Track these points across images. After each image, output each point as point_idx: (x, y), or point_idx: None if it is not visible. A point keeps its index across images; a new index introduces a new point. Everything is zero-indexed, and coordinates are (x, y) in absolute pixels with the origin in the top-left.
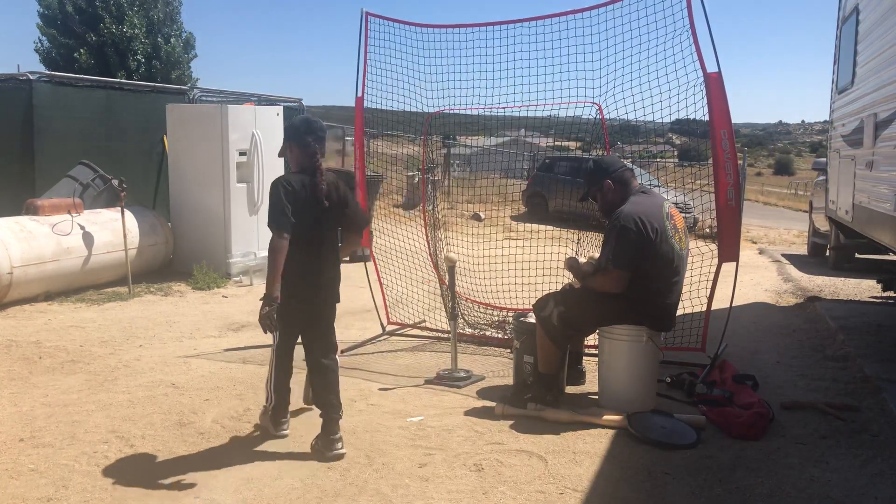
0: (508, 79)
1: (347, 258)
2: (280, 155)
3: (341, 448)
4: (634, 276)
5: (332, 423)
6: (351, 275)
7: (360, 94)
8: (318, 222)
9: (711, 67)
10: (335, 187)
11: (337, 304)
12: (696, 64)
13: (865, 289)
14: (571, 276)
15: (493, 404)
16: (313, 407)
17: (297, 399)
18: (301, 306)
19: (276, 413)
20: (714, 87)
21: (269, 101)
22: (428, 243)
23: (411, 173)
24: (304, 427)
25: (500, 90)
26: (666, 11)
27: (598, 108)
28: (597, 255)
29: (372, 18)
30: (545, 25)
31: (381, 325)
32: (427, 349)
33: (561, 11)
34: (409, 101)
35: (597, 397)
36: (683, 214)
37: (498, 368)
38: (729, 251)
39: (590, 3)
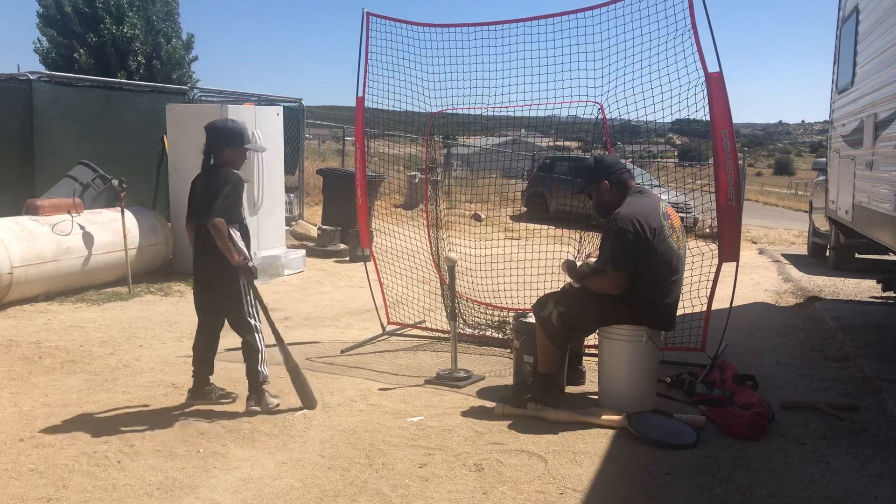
0: (510, 78)
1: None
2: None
3: (275, 403)
4: (633, 277)
5: (256, 388)
6: (351, 275)
7: (360, 94)
8: (193, 211)
9: (713, 67)
10: (202, 181)
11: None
12: (697, 64)
13: (865, 289)
14: (568, 276)
15: (492, 404)
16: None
17: (295, 399)
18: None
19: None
20: (715, 86)
21: (269, 101)
22: (430, 243)
23: (412, 173)
24: (303, 426)
25: (501, 90)
26: (668, 11)
27: (599, 107)
28: (593, 259)
29: (373, 18)
30: (546, 25)
31: (381, 325)
32: (427, 349)
33: (562, 11)
34: (410, 101)
35: (597, 397)
36: (683, 215)
37: (498, 368)
38: (729, 251)
39: (591, 2)
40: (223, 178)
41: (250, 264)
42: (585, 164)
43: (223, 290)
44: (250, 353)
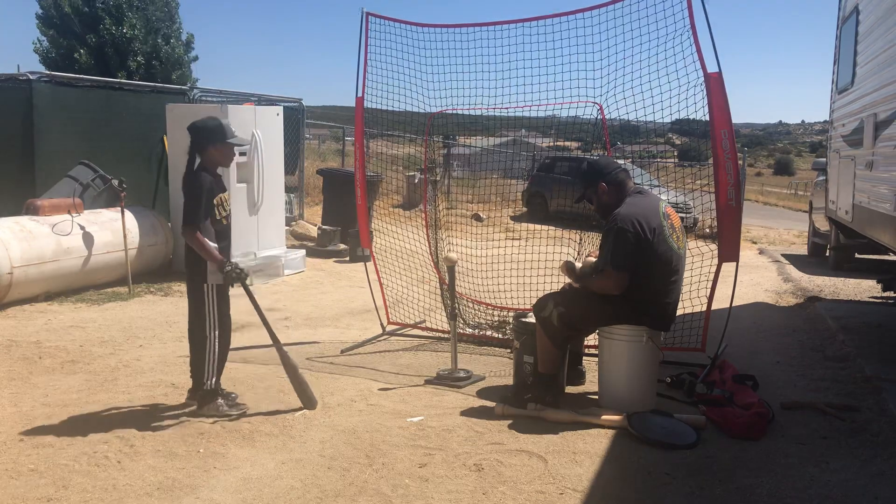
0: (509, 79)
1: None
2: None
3: (227, 412)
4: (633, 277)
5: (202, 396)
6: (351, 275)
7: (360, 94)
8: None
9: (712, 67)
10: (183, 185)
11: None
12: (696, 64)
13: (865, 289)
14: (567, 277)
15: (493, 404)
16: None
17: (294, 399)
18: None
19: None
20: (714, 87)
21: (269, 101)
22: (429, 243)
23: (411, 173)
24: (303, 426)
25: (500, 90)
26: (666, 11)
27: (598, 108)
28: (593, 258)
29: (372, 18)
30: (546, 25)
31: (381, 325)
32: (427, 349)
33: (562, 12)
34: (409, 101)
35: (597, 397)
36: (683, 215)
37: (498, 368)
38: (729, 251)
39: (590, 2)
40: (196, 184)
41: (227, 268)
42: (581, 170)
43: (190, 294)
44: (198, 364)
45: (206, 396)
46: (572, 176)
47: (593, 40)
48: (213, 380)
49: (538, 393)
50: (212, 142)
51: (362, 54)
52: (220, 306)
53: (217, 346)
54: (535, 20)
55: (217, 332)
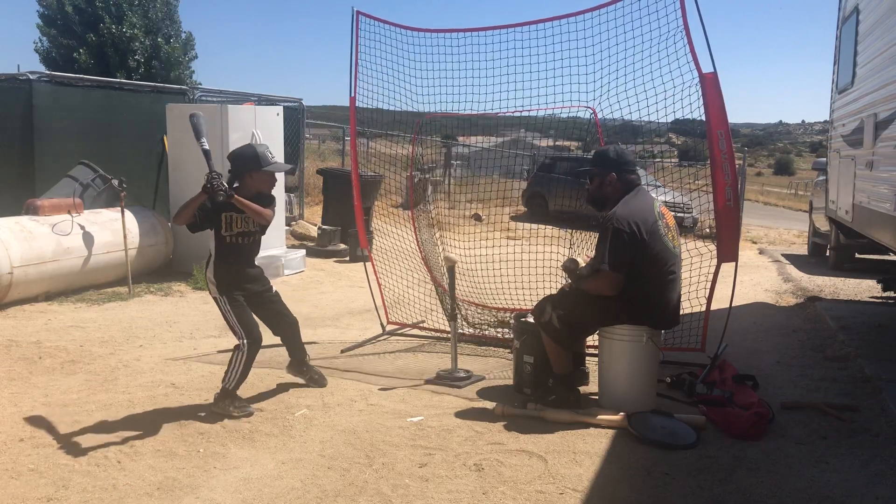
0: (501, 83)
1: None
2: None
3: (233, 413)
4: (629, 277)
5: (222, 390)
6: (351, 275)
7: (353, 94)
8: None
9: (707, 68)
10: None
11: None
12: (691, 64)
13: (865, 289)
14: (567, 277)
15: (493, 404)
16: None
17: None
18: None
19: None
20: (710, 87)
21: (270, 101)
22: (419, 246)
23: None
24: (303, 426)
25: (492, 94)
26: (660, 12)
27: (591, 111)
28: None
29: (363, 18)
30: (538, 30)
31: (381, 325)
32: (427, 349)
33: (552, 16)
34: (399, 102)
35: (597, 397)
36: (683, 215)
37: (498, 368)
38: (728, 251)
39: (582, 5)
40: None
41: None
42: (604, 150)
43: None
44: (229, 363)
45: (222, 394)
46: (574, 176)
47: (586, 43)
48: (233, 385)
49: (562, 394)
50: (249, 169)
51: (354, 54)
52: (239, 316)
53: (244, 356)
54: (527, 24)
55: (247, 342)
